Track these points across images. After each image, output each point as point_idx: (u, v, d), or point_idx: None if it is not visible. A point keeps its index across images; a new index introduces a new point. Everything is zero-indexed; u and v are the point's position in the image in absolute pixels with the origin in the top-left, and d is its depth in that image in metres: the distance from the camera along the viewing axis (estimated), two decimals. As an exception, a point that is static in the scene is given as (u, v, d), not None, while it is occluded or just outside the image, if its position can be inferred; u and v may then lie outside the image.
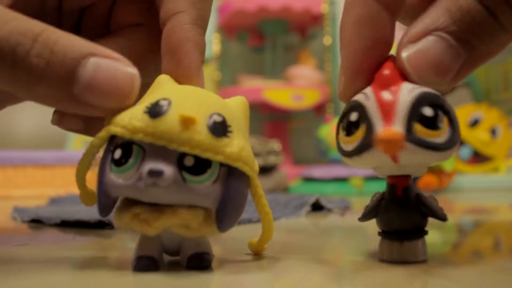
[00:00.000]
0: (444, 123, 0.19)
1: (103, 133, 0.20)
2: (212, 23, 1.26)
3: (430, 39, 0.19)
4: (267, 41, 1.24)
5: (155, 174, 0.18)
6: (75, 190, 0.95)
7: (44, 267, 0.21)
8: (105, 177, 0.19)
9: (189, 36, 0.22)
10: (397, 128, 0.19)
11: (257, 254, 0.24)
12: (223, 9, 1.18)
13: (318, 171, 0.85)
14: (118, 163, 0.19)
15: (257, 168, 0.21)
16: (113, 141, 0.20)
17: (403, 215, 0.21)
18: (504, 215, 0.48)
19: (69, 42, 0.19)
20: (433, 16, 0.19)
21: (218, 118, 0.20)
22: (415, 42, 0.19)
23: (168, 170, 0.18)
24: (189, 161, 0.19)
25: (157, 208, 0.19)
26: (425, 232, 0.22)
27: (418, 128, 0.19)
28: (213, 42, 1.26)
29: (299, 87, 1.13)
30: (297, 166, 1.13)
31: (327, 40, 1.23)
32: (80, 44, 0.19)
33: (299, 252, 0.24)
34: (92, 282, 0.19)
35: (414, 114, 0.19)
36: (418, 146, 0.19)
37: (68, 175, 0.92)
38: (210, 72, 1.27)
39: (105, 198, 0.20)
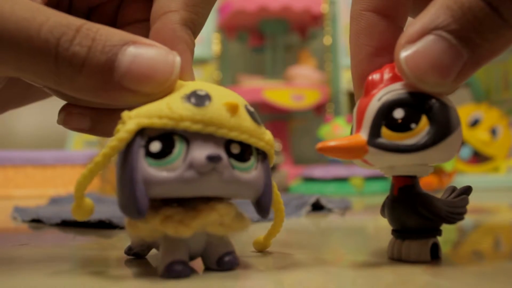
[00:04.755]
0: (420, 123, 0.19)
1: (131, 126, 0.18)
2: (212, 23, 1.26)
3: (429, 38, 0.18)
4: (267, 41, 1.24)
5: (215, 159, 0.18)
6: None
7: (44, 267, 0.21)
8: (142, 173, 0.18)
9: (179, 35, 0.21)
10: (362, 134, 0.20)
11: (261, 251, 0.24)
12: (223, 9, 1.18)
13: (318, 171, 0.85)
14: (159, 156, 0.18)
15: None
16: (142, 135, 0.18)
17: (399, 214, 0.21)
18: (504, 215, 0.48)
19: (109, 32, 0.19)
20: (433, 14, 0.18)
21: (251, 108, 0.20)
22: (413, 42, 0.19)
23: (223, 155, 0.18)
24: (235, 149, 0.19)
25: (191, 207, 0.19)
26: (434, 233, 0.21)
27: (385, 132, 0.19)
28: (213, 42, 1.26)
29: (299, 87, 1.13)
30: (297, 166, 1.13)
31: (327, 40, 1.23)
32: (120, 33, 0.20)
33: (299, 252, 0.24)
34: (92, 282, 0.19)
35: (381, 118, 0.20)
36: (382, 150, 0.19)
37: (68, 175, 0.92)
38: (210, 72, 1.27)
39: (144, 197, 0.18)
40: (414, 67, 0.19)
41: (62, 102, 0.25)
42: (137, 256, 0.24)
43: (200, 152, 0.18)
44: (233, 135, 0.19)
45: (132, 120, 0.18)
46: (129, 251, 0.24)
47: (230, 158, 0.19)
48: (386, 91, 0.20)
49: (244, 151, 0.19)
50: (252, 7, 1.12)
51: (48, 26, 0.19)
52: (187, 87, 0.20)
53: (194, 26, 0.22)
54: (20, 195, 0.87)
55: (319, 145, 0.20)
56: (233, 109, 0.19)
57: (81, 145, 1.15)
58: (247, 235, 0.26)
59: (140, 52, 0.19)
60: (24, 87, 0.26)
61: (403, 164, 0.20)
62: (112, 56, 0.19)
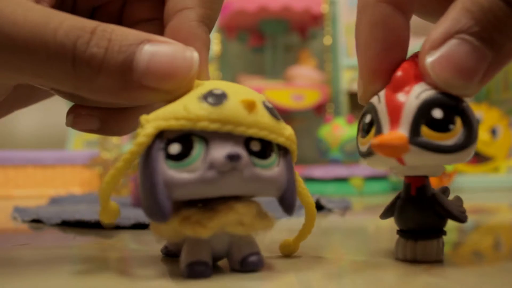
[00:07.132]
0: (456, 125, 0.19)
1: (150, 130, 0.18)
2: (212, 23, 1.26)
3: (453, 42, 0.18)
4: (267, 41, 1.24)
5: (234, 158, 0.18)
6: (75, 190, 0.95)
7: (44, 267, 0.21)
8: (163, 176, 0.18)
9: (196, 33, 0.21)
10: (401, 131, 0.19)
11: (289, 255, 0.23)
12: (223, 9, 1.18)
13: (318, 171, 0.85)
14: (178, 157, 0.18)
15: None
16: (161, 138, 0.18)
17: (417, 214, 0.21)
18: (504, 215, 0.48)
19: (125, 32, 0.19)
20: (454, 18, 0.18)
21: (269, 104, 0.20)
22: (437, 48, 0.19)
23: (243, 153, 0.18)
24: (255, 146, 0.19)
25: (209, 207, 0.18)
26: (442, 233, 0.22)
27: (425, 131, 0.19)
28: (213, 42, 1.26)
29: (299, 87, 1.13)
30: (297, 166, 1.13)
31: (327, 40, 1.23)
32: (134, 32, 0.19)
33: (300, 252, 0.24)
34: (92, 283, 0.19)
35: (421, 117, 0.19)
36: (423, 149, 0.19)
37: (68, 175, 0.92)
38: (210, 72, 1.27)
39: (166, 200, 0.18)
40: (440, 72, 0.19)
41: (62, 102, 0.25)
42: (171, 255, 0.23)
43: (220, 152, 0.18)
44: (252, 132, 0.18)
45: (150, 123, 0.18)
46: (165, 250, 0.24)
47: (251, 155, 0.19)
48: (422, 89, 0.19)
49: (264, 148, 0.19)
50: (252, 7, 1.12)
51: (63, 30, 0.19)
52: (204, 86, 0.19)
53: (210, 22, 0.22)
54: (20, 195, 0.87)
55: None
56: (250, 106, 0.19)
57: (81, 145, 1.15)
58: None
59: (157, 49, 0.19)
60: (29, 88, 0.26)
61: (437, 164, 0.20)
62: (130, 55, 0.19)
